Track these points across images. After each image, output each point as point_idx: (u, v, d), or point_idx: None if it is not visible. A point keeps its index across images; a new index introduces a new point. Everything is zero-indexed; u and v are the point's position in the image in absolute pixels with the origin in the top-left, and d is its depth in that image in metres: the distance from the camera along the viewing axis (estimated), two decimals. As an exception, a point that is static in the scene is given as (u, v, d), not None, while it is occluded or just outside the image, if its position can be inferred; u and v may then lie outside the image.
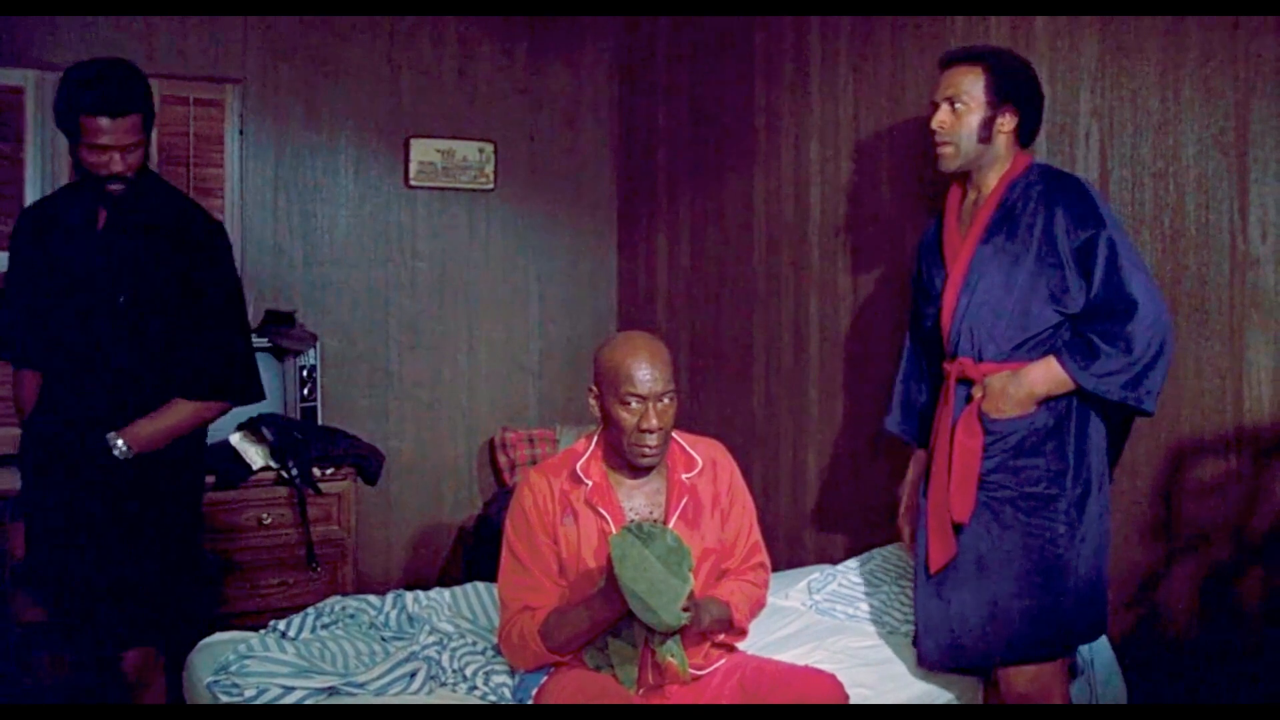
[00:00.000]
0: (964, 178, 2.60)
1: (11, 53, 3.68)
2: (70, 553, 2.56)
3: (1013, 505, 2.42)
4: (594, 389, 2.32)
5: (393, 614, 2.75)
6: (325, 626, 2.66)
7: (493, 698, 2.41)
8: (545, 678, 2.29)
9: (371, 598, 2.84)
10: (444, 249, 4.40)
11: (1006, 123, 2.51)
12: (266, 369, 3.24)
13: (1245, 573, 2.51)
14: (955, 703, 2.58)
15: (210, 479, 3.42)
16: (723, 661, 2.37)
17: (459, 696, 2.44)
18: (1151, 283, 2.38)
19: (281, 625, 2.62)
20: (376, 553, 4.27)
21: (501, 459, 4.37)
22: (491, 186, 4.46)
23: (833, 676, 2.26)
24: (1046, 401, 2.41)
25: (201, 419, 2.66)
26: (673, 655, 2.22)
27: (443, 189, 4.38)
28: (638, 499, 2.35)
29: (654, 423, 2.24)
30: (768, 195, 3.86)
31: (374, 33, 4.23)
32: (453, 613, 2.79)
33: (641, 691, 2.27)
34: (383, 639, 2.65)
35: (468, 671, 2.49)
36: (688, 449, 2.43)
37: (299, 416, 3.85)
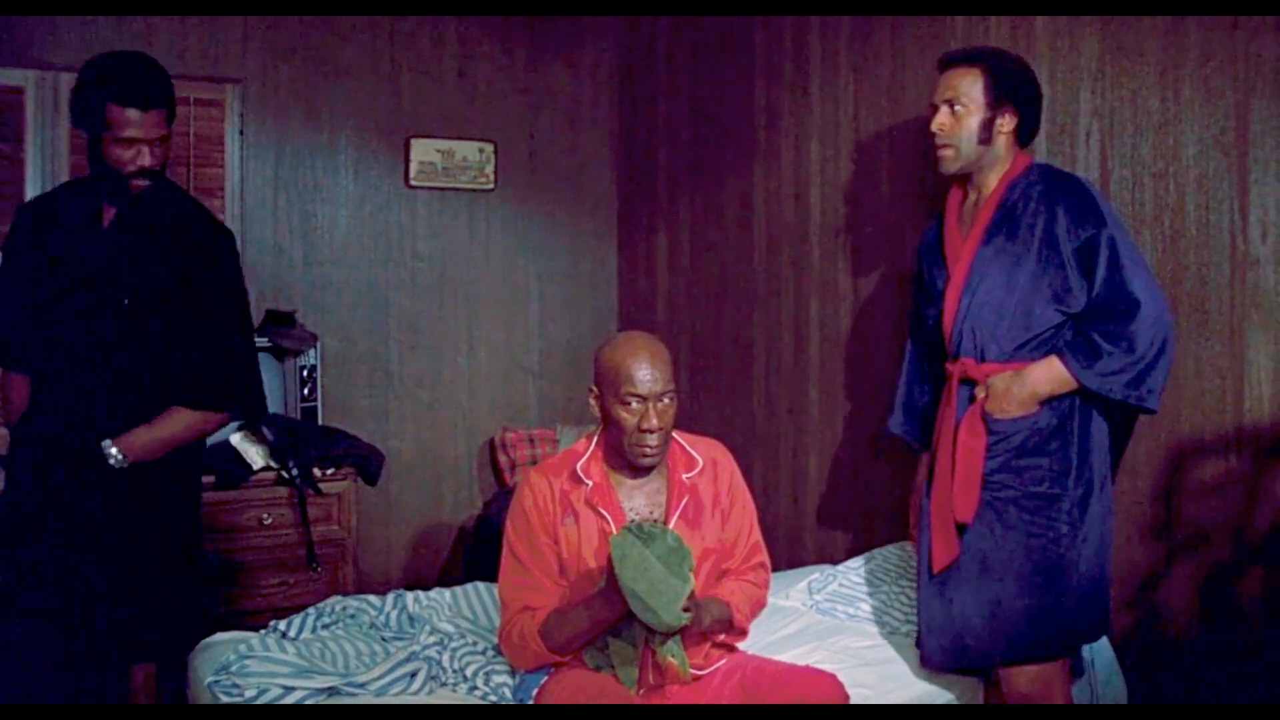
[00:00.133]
0: (964, 178, 2.60)
1: (11, 53, 3.68)
2: (70, 553, 2.51)
3: (1016, 505, 2.42)
4: (594, 389, 2.32)
5: (393, 614, 2.75)
6: (326, 626, 2.66)
7: (493, 698, 2.41)
8: (545, 678, 2.29)
9: (372, 598, 2.83)
10: (444, 249, 4.40)
11: (1006, 123, 2.51)
12: (266, 369, 3.22)
13: (1245, 573, 2.51)
14: (956, 703, 2.58)
15: (210, 479, 3.42)
16: (723, 662, 2.37)
17: (459, 696, 2.44)
18: (1153, 281, 2.38)
19: (282, 625, 2.62)
20: (377, 553, 4.27)
21: (502, 459, 4.37)
22: (491, 186, 4.46)
23: (833, 676, 2.26)
24: (1049, 401, 2.41)
25: (200, 432, 2.59)
26: (673, 655, 2.22)
27: (443, 189, 4.38)
28: (638, 499, 2.35)
29: (654, 423, 2.24)
30: (768, 195, 3.85)
31: (374, 33, 4.23)
32: (453, 613, 2.79)
33: (642, 692, 2.27)
34: (383, 639, 2.65)
35: (468, 671, 2.49)
36: (688, 449, 2.42)
37: (299, 416, 3.84)
